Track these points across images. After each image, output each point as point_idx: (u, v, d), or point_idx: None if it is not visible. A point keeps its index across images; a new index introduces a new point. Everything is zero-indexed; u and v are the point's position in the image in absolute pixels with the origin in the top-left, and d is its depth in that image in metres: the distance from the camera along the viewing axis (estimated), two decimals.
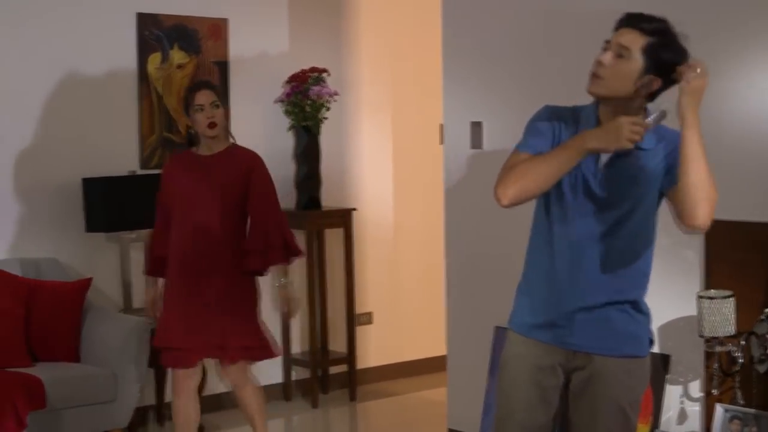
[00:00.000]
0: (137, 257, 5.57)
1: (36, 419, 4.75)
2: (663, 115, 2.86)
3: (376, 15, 6.78)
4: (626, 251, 3.00)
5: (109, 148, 5.72)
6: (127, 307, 5.60)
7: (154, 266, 4.77)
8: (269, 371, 6.25)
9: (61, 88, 5.64)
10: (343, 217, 6.41)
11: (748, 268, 4.08)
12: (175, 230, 4.63)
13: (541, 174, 2.88)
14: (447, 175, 5.36)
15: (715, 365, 4.07)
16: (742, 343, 4.02)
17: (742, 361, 4.02)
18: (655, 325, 3.23)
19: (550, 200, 3.02)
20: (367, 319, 6.78)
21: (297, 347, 6.45)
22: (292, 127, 6.27)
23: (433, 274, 6.39)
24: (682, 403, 4.33)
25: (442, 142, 5.49)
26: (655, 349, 3.62)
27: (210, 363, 5.21)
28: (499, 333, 4.79)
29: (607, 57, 2.91)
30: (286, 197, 6.33)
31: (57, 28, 5.61)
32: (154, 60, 5.90)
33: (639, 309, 3.07)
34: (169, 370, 5.09)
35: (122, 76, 5.81)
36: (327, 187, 6.40)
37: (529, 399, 3.09)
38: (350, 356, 6.44)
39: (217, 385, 5.79)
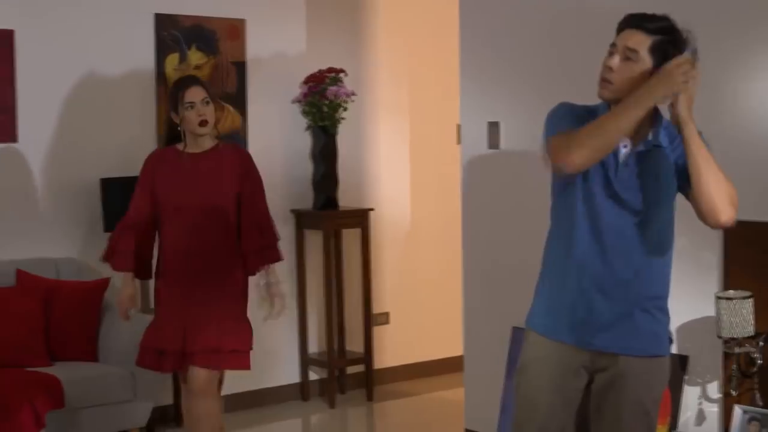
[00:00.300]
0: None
1: (54, 419, 4.78)
2: (695, 52, 2.86)
3: (394, 15, 6.78)
4: (651, 251, 2.99)
5: (127, 149, 5.72)
6: (145, 307, 5.61)
7: (124, 260, 4.55)
8: (287, 371, 6.27)
9: (80, 88, 5.66)
10: (360, 218, 6.41)
11: (767, 269, 4.06)
12: (166, 230, 4.52)
13: (609, 131, 2.83)
14: (464, 175, 5.36)
15: (734, 366, 4.05)
16: (761, 344, 4.00)
17: (761, 362, 4.00)
18: (674, 325, 3.23)
19: (575, 200, 3.00)
20: (384, 319, 6.78)
21: (314, 347, 6.45)
22: (309, 128, 6.27)
23: (451, 275, 6.38)
24: (700, 404, 4.31)
25: (459, 142, 5.48)
26: (674, 350, 3.60)
27: None
28: (517, 333, 4.78)
29: (615, 61, 2.92)
30: (304, 197, 6.35)
31: (76, 30, 5.63)
32: (172, 61, 5.92)
33: (662, 309, 3.06)
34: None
35: (140, 77, 5.83)
36: (344, 188, 6.40)
37: (552, 404, 3.07)
38: (367, 356, 6.44)
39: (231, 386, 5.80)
